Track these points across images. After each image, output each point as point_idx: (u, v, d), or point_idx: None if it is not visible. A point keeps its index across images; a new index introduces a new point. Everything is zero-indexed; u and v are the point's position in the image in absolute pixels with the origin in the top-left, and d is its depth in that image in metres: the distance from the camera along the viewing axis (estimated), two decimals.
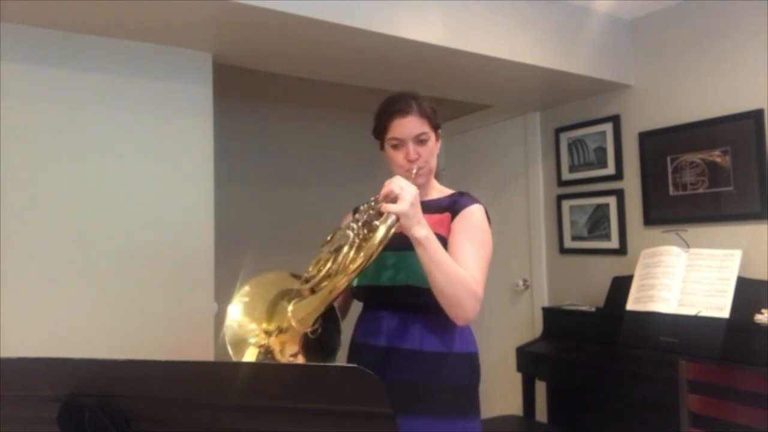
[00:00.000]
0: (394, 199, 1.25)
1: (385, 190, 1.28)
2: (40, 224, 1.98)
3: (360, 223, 1.29)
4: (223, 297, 2.36)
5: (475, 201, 1.49)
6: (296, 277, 1.36)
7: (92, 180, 2.08)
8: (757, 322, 2.18)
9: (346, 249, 1.26)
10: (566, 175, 3.28)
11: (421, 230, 1.26)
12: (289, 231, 3.52)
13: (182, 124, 2.25)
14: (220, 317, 2.31)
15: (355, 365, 0.72)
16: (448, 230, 1.43)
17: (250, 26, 2.09)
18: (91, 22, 2.00)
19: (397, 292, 1.42)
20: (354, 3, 2.10)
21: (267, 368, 0.73)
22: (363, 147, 4.01)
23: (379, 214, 1.27)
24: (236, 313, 1.31)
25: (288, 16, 1.99)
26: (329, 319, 1.29)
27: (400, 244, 1.31)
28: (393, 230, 1.23)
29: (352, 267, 1.22)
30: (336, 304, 1.31)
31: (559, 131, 3.33)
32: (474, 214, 1.45)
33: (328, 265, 1.27)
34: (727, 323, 2.24)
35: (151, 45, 2.19)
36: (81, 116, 2.07)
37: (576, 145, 3.23)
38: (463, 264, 1.33)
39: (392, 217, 1.23)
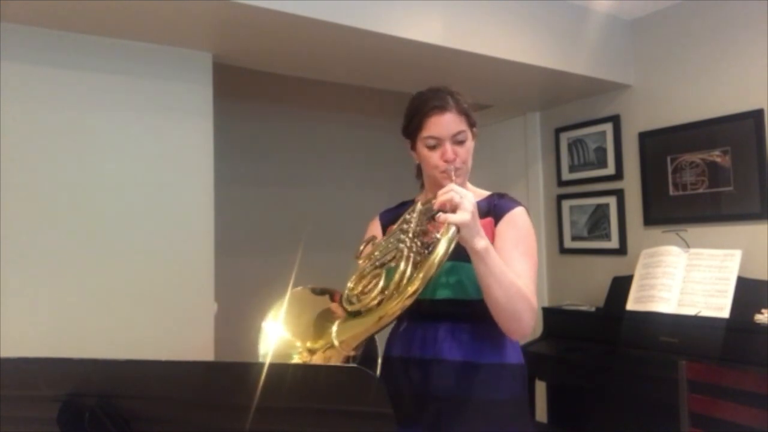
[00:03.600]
0: (453, 209, 1.14)
1: (442, 198, 1.16)
2: (40, 224, 1.98)
3: (411, 235, 1.18)
4: (223, 297, 2.37)
5: (517, 203, 1.41)
6: (318, 293, 1.28)
7: (92, 180, 2.08)
8: (757, 322, 2.18)
9: (402, 266, 1.12)
10: (566, 175, 3.28)
11: (481, 241, 1.16)
12: (288, 231, 3.52)
13: (182, 124, 2.25)
14: (219, 317, 2.32)
15: (355, 365, 0.72)
16: (493, 236, 1.33)
17: (250, 26, 2.09)
18: (91, 22, 2.00)
19: (450, 305, 1.32)
20: (354, 3, 2.10)
21: (267, 368, 0.74)
22: (363, 147, 4.01)
23: (431, 225, 1.16)
24: (277, 331, 1.20)
25: (288, 16, 1.99)
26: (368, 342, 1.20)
27: (460, 254, 1.20)
28: (454, 244, 1.11)
29: (410, 290, 1.06)
30: None
31: (559, 131, 3.33)
32: (519, 218, 1.36)
33: (380, 283, 1.14)
34: (727, 323, 2.24)
35: (151, 45, 2.19)
36: (81, 116, 2.07)
37: (576, 145, 3.23)
38: (514, 273, 1.24)
39: (453, 229, 1.11)
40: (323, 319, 1.22)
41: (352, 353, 1.14)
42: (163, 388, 0.79)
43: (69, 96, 2.05)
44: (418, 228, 1.19)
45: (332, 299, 1.29)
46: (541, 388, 2.92)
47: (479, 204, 1.37)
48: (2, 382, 0.78)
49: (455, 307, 1.31)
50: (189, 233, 2.23)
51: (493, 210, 1.38)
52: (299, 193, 3.69)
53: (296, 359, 1.17)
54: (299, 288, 1.30)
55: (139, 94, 2.17)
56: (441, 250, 1.08)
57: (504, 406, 1.31)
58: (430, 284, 1.25)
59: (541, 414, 2.94)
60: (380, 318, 1.08)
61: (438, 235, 1.12)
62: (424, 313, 1.34)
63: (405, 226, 1.22)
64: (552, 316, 2.93)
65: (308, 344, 1.18)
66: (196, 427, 0.81)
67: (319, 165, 3.79)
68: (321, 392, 0.75)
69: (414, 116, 1.37)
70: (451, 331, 1.32)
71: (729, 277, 2.35)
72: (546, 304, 3.20)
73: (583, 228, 3.18)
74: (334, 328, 1.16)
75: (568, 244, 3.25)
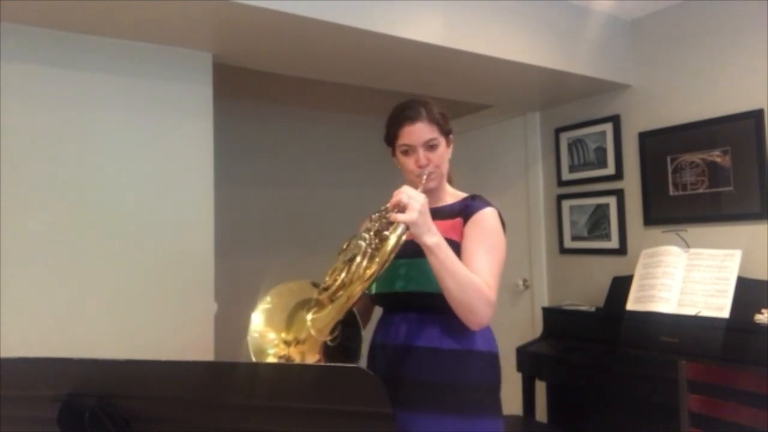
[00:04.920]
0: (403, 209, 1.27)
1: (393, 200, 1.30)
2: (40, 224, 1.98)
3: (372, 233, 1.32)
4: (223, 297, 2.37)
5: (487, 204, 1.49)
6: (316, 285, 1.40)
7: (92, 180, 2.08)
8: (757, 322, 2.18)
9: (359, 259, 1.30)
10: (566, 175, 3.28)
11: (432, 238, 1.28)
12: (288, 231, 3.52)
13: (182, 124, 2.25)
14: (219, 317, 2.32)
15: (356, 365, 0.72)
16: (461, 235, 1.44)
17: (250, 26, 2.09)
18: (91, 22, 2.00)
19: (411, 297, 1.44)
20: (354, 3, 2.10)
21: (267, 368, 0.74)
22: (363, 147, 4.01)
23: (390, 224, 1.29)
24: (258, 323, 1.34)
25: (288, 16, 1.99)
26: (350, 324, 1.32)
27: (412, 251, 1.33)
28: (403, 238, 1.26)
29: (368, 274, 1.25)
30: (357, 310, 1.34)
31: (559, 131, 3.33)
32: (486, 218, 1.45)
33: (343, 275, 1.31)
34: (727, 323, 2.24)
35: (151, 45, 2.19)
36: (81, 116, 2.07)
37: (576, 145, 3.23)
38: (475, 269, 1.35)
39: (402, 227, 1.25)
40: (300, 308, 1.36)
41: (329, 338, 1.29)
42: (163, 388, 0.79)
43: (69, 96, 2.05)
44: (377, 227, 1.33)
45: None
46: (541, 388, 2.92)
47: (454, 206, 1.53)
48: (2, 382, 0.78)
49: (423, 299, 1.41)
50: (189, 233, 2.23)
51: (464, 211, 1.49)
52: (299, 193, 3.69)
53: (272, 353, 1.30)
54: (298, 280, 1.43)
55: (139, 94, 2.17)
56: (390, 243, 1.25)
57: (471, 390, 1.40)
58: (401, 278, 1.46)
59: (541, 414, 2.94)
60: (347, 299, 1.26)
61: (387, 233, 1.28)
62: (397, 304, 1.48)
63: (369, 225, 1.36)
64: (552, 316, 2.93)
65: (283, 335, 1.33)
66: (196, 427, 0.81)
67: (319, 165, 3.80)
68: (321, 392, 0.75)
69: (390, 126, 1.51)
70: (422, 321, 1.43)
71: (729, 277, 2.35)
72: (546, 304, 3.20)
73: (583, 228, 3.18)
74: (309, 316, 1.32)
75: (568, 244, 3.25)
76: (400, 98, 1.52)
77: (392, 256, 1.25)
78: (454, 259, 1.31)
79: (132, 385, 0.79)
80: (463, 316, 1.33)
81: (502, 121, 3.69)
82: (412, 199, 1.27)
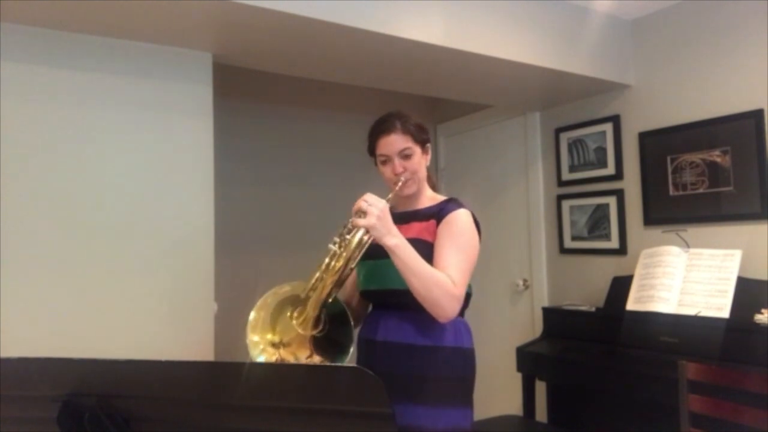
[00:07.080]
0: (363, 214, 1.40)
1: (355, 207, 1.43)
2: (40, 224, 1.98)
3: (340, 237, 1.47)
4: (223, 297, 2.37)
5: (460, 206, 1.60)
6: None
7: (92, 180, 2.08)
8: (757, 322, 2.18)
9: (327, 260, 1.46)
10: (566, 175, 3.28)
11: (392, 239, 1.40)
12: (289, 231, 3.52)
13: (182, 124, 2.25)
14: (219, 317, 2.32)
15: (356, 365, 0.72)
16: (434, 235, 1.56)
17: (250, 26, 2.09)
18: (91, 22, 2.00)
19: (388, 294, 1.57)
20: (354, 3, 2.10)
21: (267, 368, 0.73)
22: (363, 147, 4.01)
23: (354, 227, 1.43)
24: (252, 328, 1.46)
25: (288, 16, 1.99)
26: (342, 323, 1.46)
27: (379, 253, 1.45)
28: (365, 239, 1.42)
29: (336, 267, 1.42)
30: (351, 310, 1.49)
31: (559, 131, 3.33)
32: (457, 218, 1.56)
33: (317, 274, 1.47)
34: (727, 323, 2.24)
35: (151, 45, 2.19)
36: (81, 116, 2.07)
37: (576, 145, 3.23)
38: (443, 265, 1.46)
39: (361, 230, 1.41)
40: (284, 306, 1.49)
41: (315, 331, 1.44)
42: (163, 388, 0.79)
43: (69, 96, 2.05)
44: (344, 231, 1.47)
45: None
46: (541, 388, 2.92)
47: (431, 209, 1.65)
48: (2, 382, 0.78)
49: (398, 296, 1.51)
50: (189, 233, 2.23)
51: (438, 213, 1.60)
52: (299, 193, 3.69)
53: (262, 359, 1.40)
54: (294, 282, 1.53)
55: (139, 94, 2.17)
56: (353, 244, 1.42)
57: (439, 382, 1.52)
58: (379, 276, 1.57)
59: (541, 414, 2.94)
60: (322, 291, 1.42)
61: (348, 236, 1.43)
62: (378, 300, 1.63)
63: (341, 230, 1.49)
64: (552, 316, 2.93)
65: (269, 336, 1.45)
66: (196, 427, 0.81)
67: (319, 165, 3.79)
68: (321, 392, 0.75)
69: (369, 139, 1.69)
70: (398, 318, 1.56)
71: (729, 277, 2.35)
72: (546, 304, 3.20)
73: (583, 228, 3.18)
74: (294, 321, 1.46)
75: (568, 244, 3.25)
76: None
77: (356, 253, 1.42)
78: (416, 258, 1.42)
79: (132, 385, 0.79)
80: (430, 310, 1.43)
81: (502, 121, 3.69)
82: (372, 206, 1.40)
